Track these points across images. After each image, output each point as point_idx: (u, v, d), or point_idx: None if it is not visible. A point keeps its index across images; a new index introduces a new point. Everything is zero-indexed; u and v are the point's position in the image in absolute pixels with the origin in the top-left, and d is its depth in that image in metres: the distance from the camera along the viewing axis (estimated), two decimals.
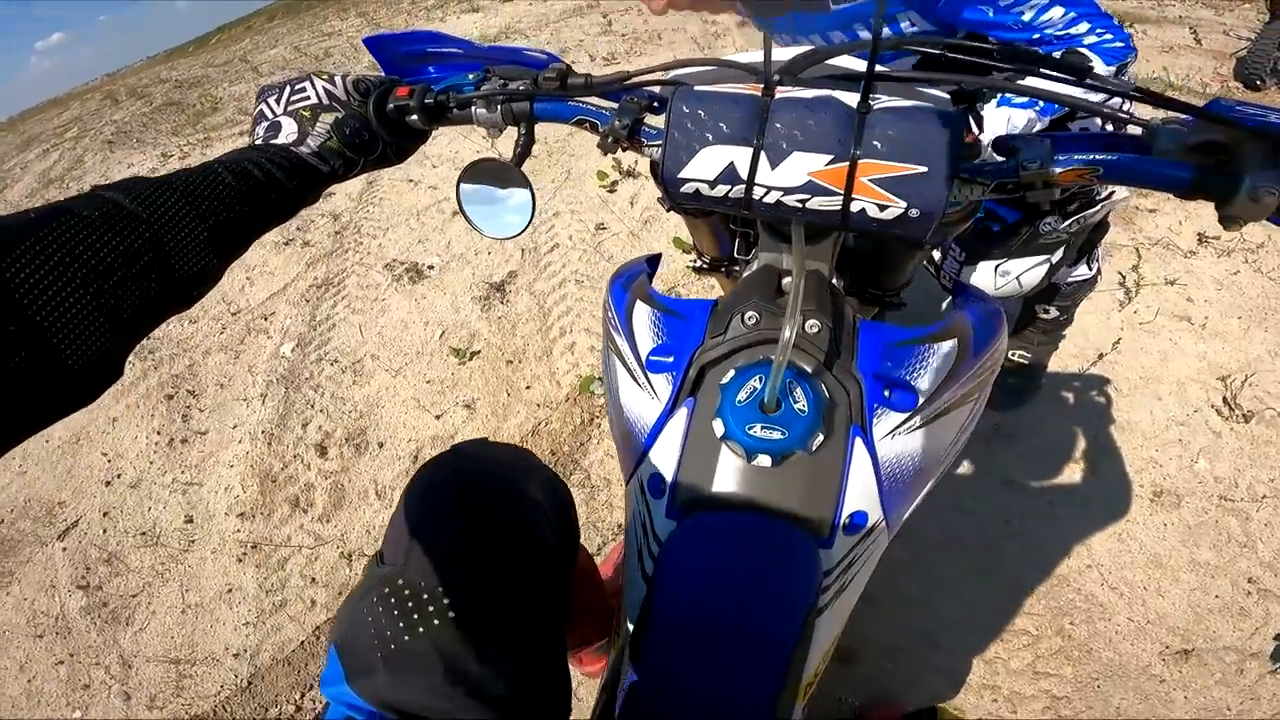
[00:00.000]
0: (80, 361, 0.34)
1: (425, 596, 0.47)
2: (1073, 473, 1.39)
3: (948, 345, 0.52)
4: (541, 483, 0.59)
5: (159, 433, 1.88)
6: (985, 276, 1.15)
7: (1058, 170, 0.44)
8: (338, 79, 0.55)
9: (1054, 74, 0.43)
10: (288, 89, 0.54)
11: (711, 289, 1.87)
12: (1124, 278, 1.77)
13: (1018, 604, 1.21)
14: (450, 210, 2.49)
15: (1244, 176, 0.40)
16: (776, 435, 0.45)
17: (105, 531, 1.65)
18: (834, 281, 0.58)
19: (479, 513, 0.52)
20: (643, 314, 0.56)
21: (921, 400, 0.49)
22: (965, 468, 1.41)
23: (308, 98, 0.54)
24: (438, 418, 1.69)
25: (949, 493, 1.36)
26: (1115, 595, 1.21)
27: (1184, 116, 0.41)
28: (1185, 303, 1.73)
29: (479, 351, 1.84)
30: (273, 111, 0.53)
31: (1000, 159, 0.47)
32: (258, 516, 1.58)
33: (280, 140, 0.51)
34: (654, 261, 0.68)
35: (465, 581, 0.48)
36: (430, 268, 2.20)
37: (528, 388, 1.71)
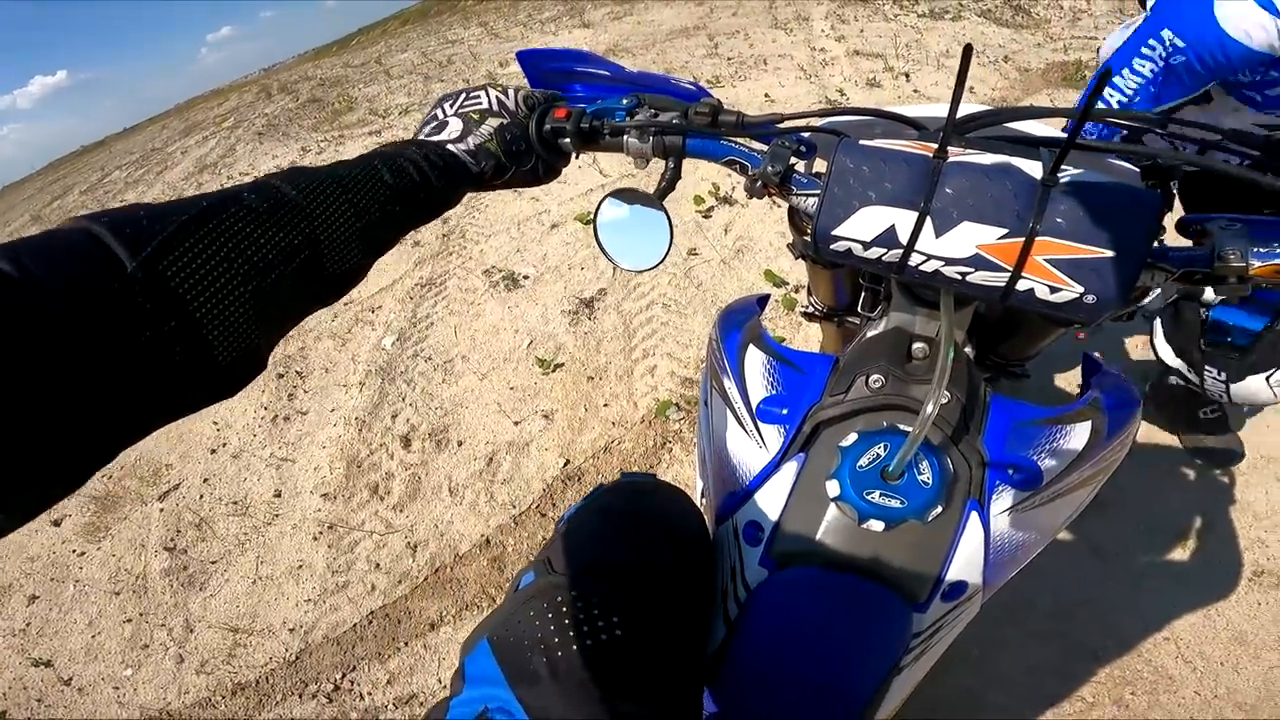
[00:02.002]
0: (229, 357, 0.34)
1: (596, 613, 0.45)
2: (1168, 547, 1.31)
3: (1080, 428, 0.50)
4: (700, 530, 0.58)
5: (265, 408, 2.05)
6: (1260, 390, 1.11)
7: (1256, 264, 0.41)
8: (511, 91, 0.58)
9: (1262, 155, 0.41)
10: (464, 95, 0.57)
11: (798, 327, 1.84)
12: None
13: (1078, 670, 1.16)
14: (549, 223, 2.59)
15: None
16: (895, 504, 0.45)
17: (202, 497, 1.80)
18: (966, 351, 0.57)
19: (651, 543, 0.51)
20: (756, 359, 0.56)
21: (1045, 480, 0.47)
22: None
23: (479, 103, 0.56)
24: (516, 424, 1.76)
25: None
26: (1188, 669, 1.15)
27: None
28: None
29: (563, 364, 1.89)
30: (444, 113, 0.56)
31: (1189, 244, 0.43)
32: (339, 498, 1.70)
33: (441, 136, 0.53)
34: (764, 302, 0.68)
35: (632, 607, 0.46)
36: (525, 277, 2.30)
37: (605, 405, 1.74)
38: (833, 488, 0.46)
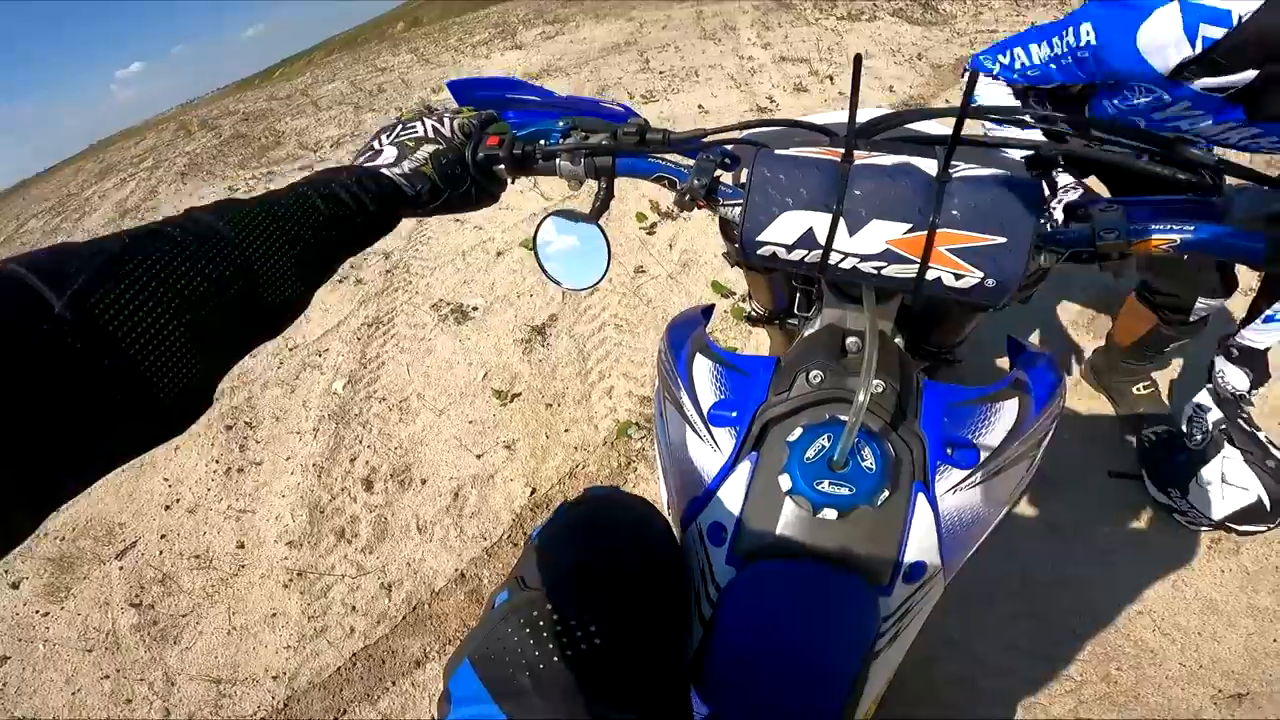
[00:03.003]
0: (172, 393, 0.34)
1: (572, 623, 0.46)
2: (1124, 520, 1.36)
3: (1008, 405, 0.53)
4: (667, 536, 0.60)
5: (217, 461, 1.98)
6: (1206, 497, 1.19)
7: (1133, 241, 0.45)
8: (447, 119, 0.58)
9: (1143, 145, 0.44)
10: (400, 125, 0.58)
11: (749, 335, 1.90)
12: None
13: (1062, 649, 1.19)
14: (494, 250, 2.58)
15: None
16: (844, 491, 0.47)
17: (161, 553, 1.74)
18: (897, 341, 0.60)
19: (617, 552, 0.53)
20: (703, 367, 0.58)
21: (983, 458, 0.50)
22: (1012, 515, 1.38)
23: (416, 132, 0.57)
24: (478, 457, 1.75)
25: (991, 536, 1.34)
26: (1167, 641, 1.19)
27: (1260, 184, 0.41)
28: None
29: (520, 393, 1.90)
30: (380, 143, 0.56)
31: (1074, 227, 0.47)
32: (305, 545, 1.66)
33: (376, 163, 0.54)
34: (708, 312, 0.71)
35: (607, 614, 0.48)
36: (475, 308, 2.29)
37: (566, 430, 1.76)
38: (785, 482, 0.48)
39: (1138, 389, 1.54)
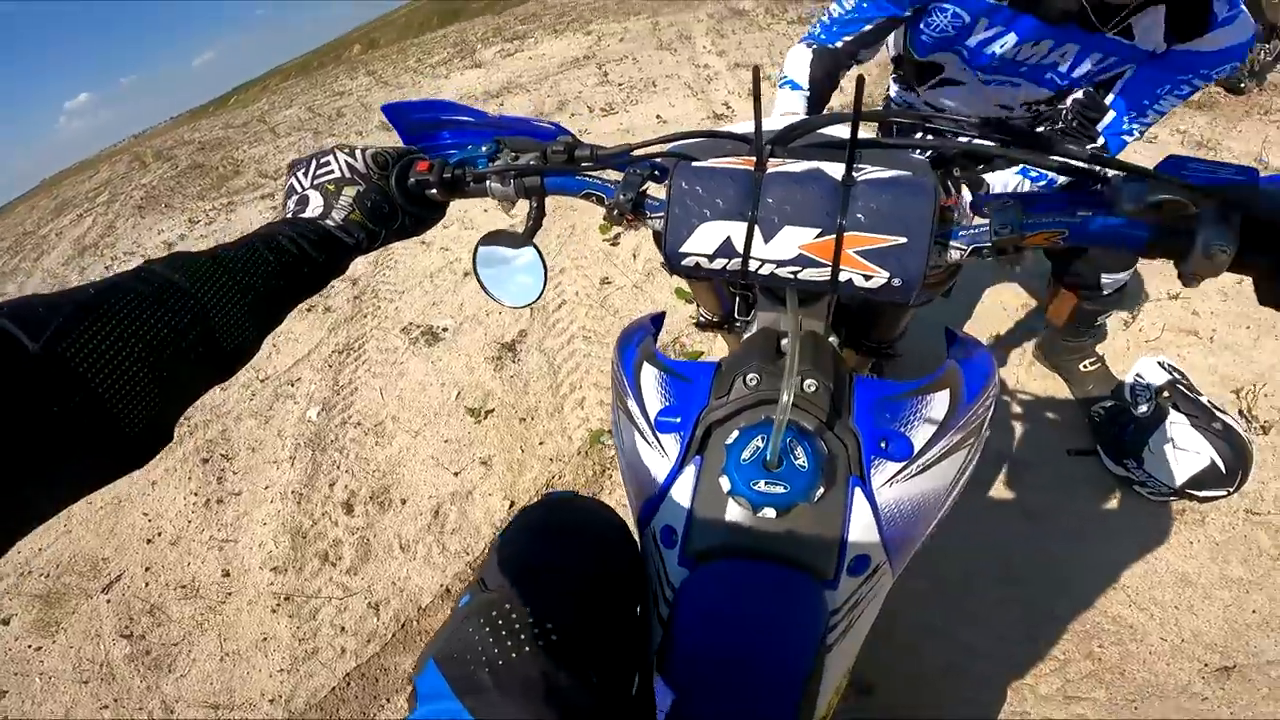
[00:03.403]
0: (137, 428, 0.37)
1: (531, 621, 0.49)
2: (1090, 499, 1.40)
3: (940, 395, 0.55)
4: (623, 536, 0.63)
5: (196, 494, 1.99)
6: (1161, 464, 1.27)
7: (1027, 234, 0.47)
8: (358, 153, 0.58)
9: (1021, 143, 0.47)
10: (313, 163, 0.57)
11: (714, 339, 1.97)
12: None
13: (1044, 630, 1.21)
14: (462, 271, 2.62)
15: (1197, 234, 0.41)
16: (779, 490, 0.48)
17: (147, 585, 1.75)
18: (830, 340, 0.61)
19: (572, 552, 0.56)
20: (650, 375, 0.60)
21: (917, 449, 0.52)
22: (982, 500, 1.43)
23: (331, 171, 0.56)
24: (456, 475, 1.79)
25: (967, 524, 1.37)
26: (1145, 616, 1.20)
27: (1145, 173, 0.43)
28: (1191, 316, 1.74)
29: (493, 410, 1.94)
30: (301, 185, 0.56)
31: (976, 224, 0.49)
32: (290, 570, 1.68)
33: (308, 214, 0.54)
34: (658, 320, 0.72)
35: (563, 611, 0.51)
36: (444, 330, 2.32)
37: (541, 443, 1.80)
38: (725, 483, 0.50)
39: (1084, 366, 1.61)
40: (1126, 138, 1.01)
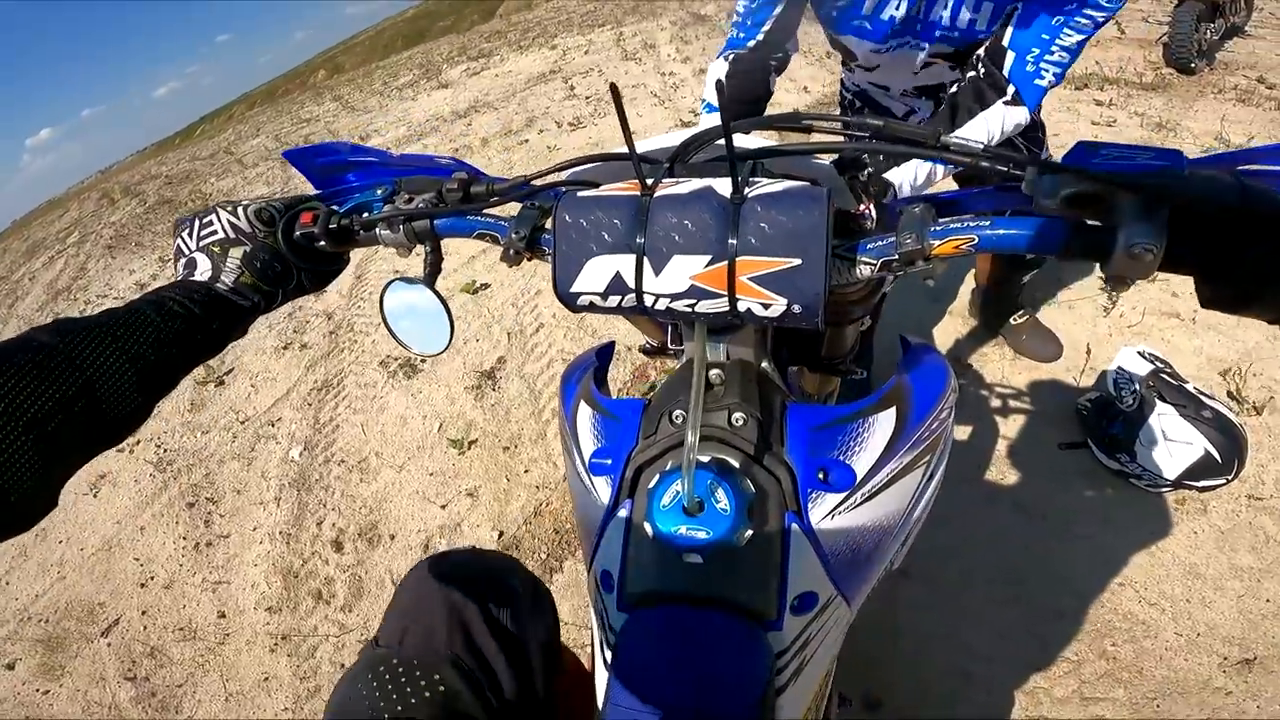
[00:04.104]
0: (20, 496, 0.37)
1: (418, 673, 0.52)
2: (1084, 491, 1.36)
3: (883, 416, 0.51)
4: (524, 583, 0.64)
5: (184, 538, 1.98)
6: (1154, 459, 1.25)
7: (935, 243, 0.43)
8: (240, 210, 0.55)
9: (909, 141, 0.43)
10: (196, 223, 0.55)
11: None
12: (1103, 280, 1.84)
13: (1052, 630, 1.17)
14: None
15: (1118, 231, 0.36)
16: (701, 535, 0.45)
17: (145, 628, 1.76)
18: (765, 366, 0.57)
19: (463, 603, 0.58)
20: (585, 415, 0.57)
21: (860, 477, 0.48)
22: (970, 497, 1.41)
23: (215, 232, 0.53)
24: (443, 508, 1.79)
25: (960, 524, 1.35)
26: (1156, 611, 1.16)
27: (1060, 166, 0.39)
28: (1171, 298, 1.72)
29: (476, 440, 1.94)
30: (187, 247, 0.54)
31: (884, 236, 0.45)
32: (284, 610, 1.68)
33: (197, 277, 0.52)
34: (605, 353, 0.68)
35: (452, 660, 0.54)
36: (423, 361, 2.32)
37: (526, 471, 1.81)
38: (649, 529, 0.47)
39: (1015, 319, 1.69)
40: (1038, 81, 0.94)
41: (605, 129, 3.98)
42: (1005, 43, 0.95)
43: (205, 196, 5.69)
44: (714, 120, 1.11)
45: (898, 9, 1.06)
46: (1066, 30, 0.91)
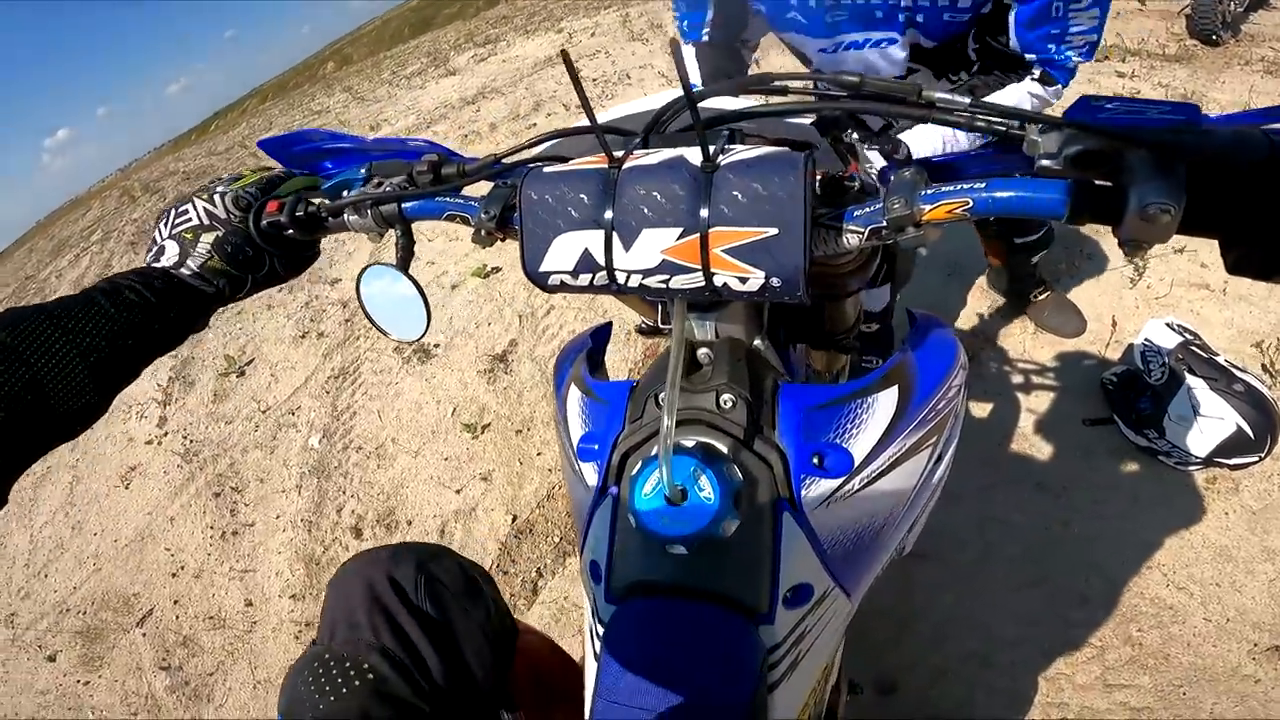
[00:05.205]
0: None
1: (347, 664, 0.54)
2: (1111, 470, 1.31)
3: (883, 396, 0.48)
4: (450, 570, 0.65)
5: (212, 527, 2.04)
6: (1183, 435, 1.18)
7: (926, 208, 0.39)
8: (217, 197, 0.54)
9: (891, 99, 0.41)
10: (173, 212, 0.54)
11: None
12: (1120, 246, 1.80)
13: (1075, 614, 1.14)
14: (449, 284, 2.64)
15: (1130, 191, 0.33)
16: (684, 525, 0.43)
17: (177, 618, 1.82)
18: (757, 344, 0.54)
19: (385, 593, 0.60)
20: (575, 399, 0.55)
21: (858, 461, 0.46)
22: (991, 476, 1.36)
23: (189, 219, 0.53)
24: (458, 492, 1.82)
25: (981, 503, 1.31)
26: (1185, 596, 1.13)
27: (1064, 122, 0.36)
28: (1199, 269, 1.66)
29: (489, 424, 1.96)
30: (160, 235, 0.53)
31: (871, 203, 0.42)
32: (307, 597, 1.72)
33: (162, 263, 0.52)
34: (600, 334, 0.65)
35: (379, 649, 0.57)
36: (436, 346, 2.34)
37: (538, 454, 1.83)
38: (632, 519, 0.45)
39: (1035, 296, 1.64)
40: (1069, 54, 0.86)
41: (613, 111, 3.95)
42: (1012, 30, 0.86)
43: None
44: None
45: None
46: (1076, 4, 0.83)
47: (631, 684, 0.42)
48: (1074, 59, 0.85)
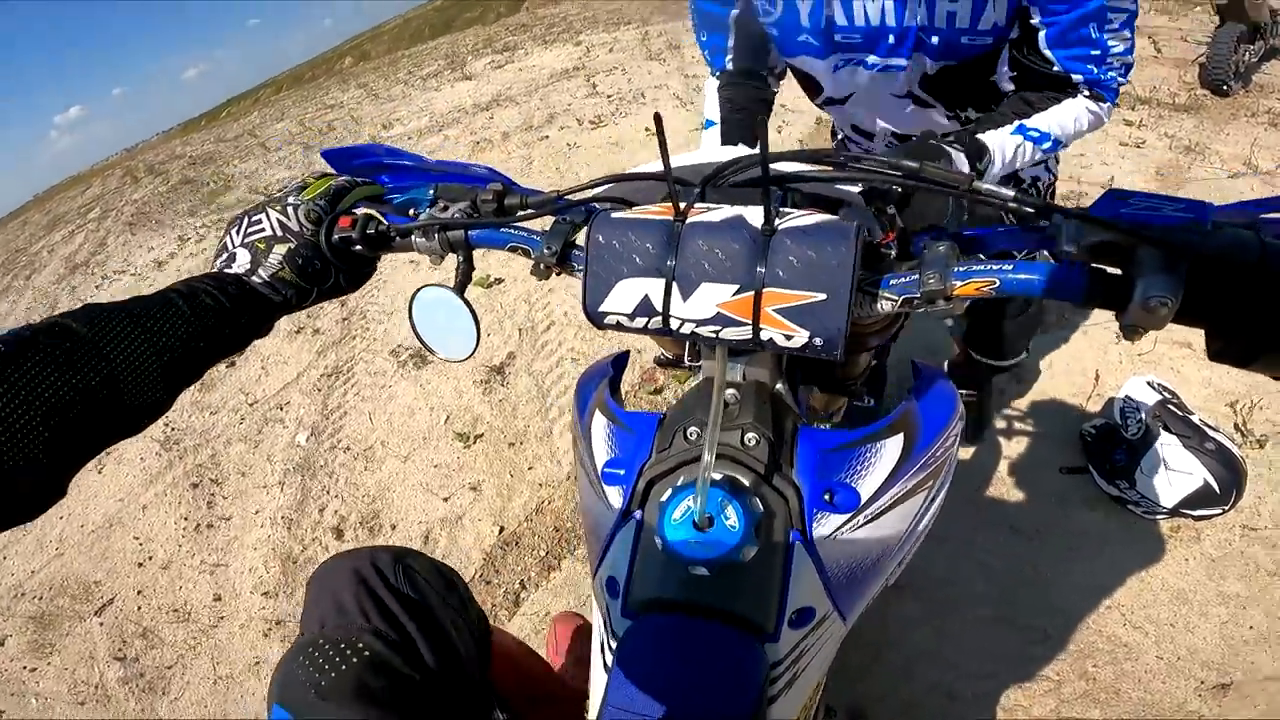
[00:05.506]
0: (28, 485, 0.37)
1: (343, 645, 0.57)
2: (1081, 515, 1.39)
3: (890, 442, 0.52)
4: (424, 564, 0.69)
5: (186, 518, 1.99)
6: (1151, 487, 1.25)
7: (957, 284, 0.43)
8: (290, 210, 0.56)
9: (940, 181, 0.44)
10: (245, 220, 0.56)
11: None
12: (1118, 330, 1.83)
13: (1037, 650, 1.20)
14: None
15: (1136, 283, 0.37)
16: (709, 550, 0.47)
17: (139, 608, 1.77)
18: (779, 388, 0.58)
19: (370, 577, 0.63)
20: (599, 425, 0.59)
21: (864, 499, 0.50)
22: (969, 517, 1.42)
23: (262, 229, 0.55)
24: (445, 500, 1.78)
25: (957, 543, 1.37)
26: (1140, 634, 1.19)
27: (1086, 211, 0.40)
28: (1184, 329, 1.75)
29: (482, 434, 1.94)
30: (233, 242, 0.55)
31: (907, 272, 0.46)
32: (281, 595, 1.68)
33: (234, 270, 0.53)
34: (620, 361, 0.69)
35: (372, 630, 0.60)
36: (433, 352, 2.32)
37: (530, 468, 1.80)
38: (659, 540, 0.49)
39: (967, 396, 1.58)
40: (1113, 79, 0.84)
41: (626, 129, 3.97)
42: (1045, 49, 0.85)
43: (228, 178, 5.74)
44: (716, 137, 1.05)
45: (830, 5, 0.89)
46: (1110, 13, 0.81)
47: (643, 691, 0.46)
48: (1117, 79, 0.85)
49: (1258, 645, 1.15)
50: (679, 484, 0.50)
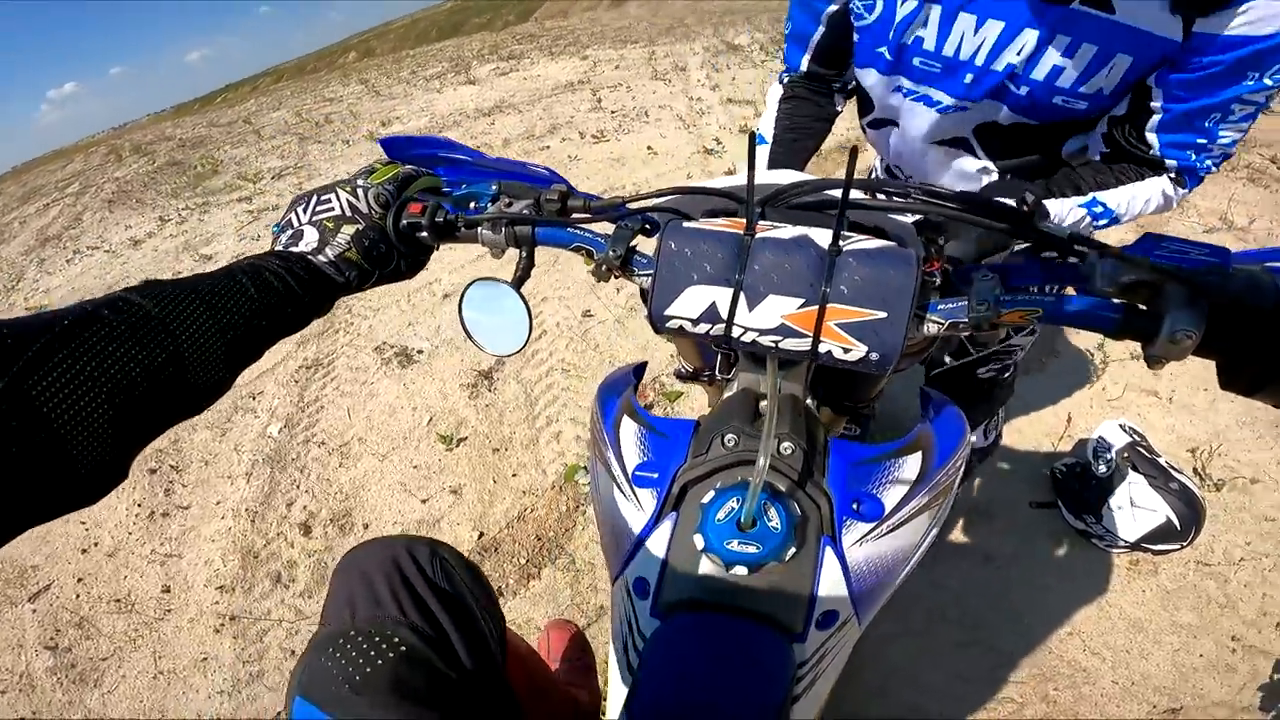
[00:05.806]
0: (90, 469, 0.36)
1: (376, 638, 0.55)
2: (1047, 547, 1.45)
3: (912, 458, 0.55)
4: (451, 554, 0.68)
5: (139, 505, 1.89)
6: (1115, 520, 1.30)
7: (1003, 312, 0.47)
8: (360, 191, 0.57)
9: (999, 220, 0.47)
10: (314, 199, 0.56)
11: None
12: (1091, 355, 1.86)
13: (1002, 673, 1.25)
14: (440, 293, 2.57)
15: (1164, 318, 0.41)
16: (752, 550, 0.49)
17: (78, 597, 1.67)
18: (808, 403, 0.61)
19: (407, 564, 0.62)
20: (629, 429, 0.60)
21: (888, 510, 0.53)
22: (947, 547, 1.46)
23: (332, 209, 0.56)
24: (424, 502, 1.72)
25: (932, 570, 1.42)
26: (1098, 660, 1.25)
27: (1120, 252, 0.44)
28: (1151, 377, 1.80)
29: (466, 438, 1.88)
30: (299, 220, 0.55)
31: (955, 299, 0.49)
32: (238, 590, 1.60)
33: (300, 248, 0.53)
34: (639, 371, 0.72)
35: (408, 625, 0.58)
36: (419, 352, 2.26)
37: (514, 475, 1.75)
38: (699, 541, 0.50)
39: None
40: (1207, 168, 0.79)
41: (628, 145, 3.97)
42: (1150, 133, 0.78)
43: (217, 163, 5.62)
44: (765, 154, 1.02)
45: (924, 25, 0.81)
46: (1236, 106, 0.74)
47: (674, 686, 0.48)
48: (1211, 168, 0.80)
49: (1207, 672, 1.21)
50: (718, 486, 0.52)
